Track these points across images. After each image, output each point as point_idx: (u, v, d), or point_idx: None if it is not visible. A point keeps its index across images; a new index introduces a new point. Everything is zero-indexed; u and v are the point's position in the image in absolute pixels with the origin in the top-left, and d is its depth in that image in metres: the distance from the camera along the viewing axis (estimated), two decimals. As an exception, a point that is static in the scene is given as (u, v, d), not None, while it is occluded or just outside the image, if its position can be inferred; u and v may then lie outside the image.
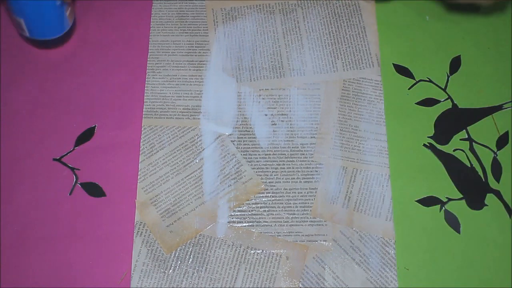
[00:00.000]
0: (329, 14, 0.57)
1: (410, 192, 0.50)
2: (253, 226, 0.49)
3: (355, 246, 0.48)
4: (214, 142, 0.51)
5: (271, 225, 0.49)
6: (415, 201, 0.49)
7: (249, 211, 0.49)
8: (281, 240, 0.48)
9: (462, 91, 0.53)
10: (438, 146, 0.52)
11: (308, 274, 0.47)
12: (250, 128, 0.52)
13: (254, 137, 0.52)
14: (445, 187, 0.50)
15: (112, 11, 0.57)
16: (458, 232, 0.48)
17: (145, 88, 0.53)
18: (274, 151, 0.51)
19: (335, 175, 0.50)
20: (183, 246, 0.48)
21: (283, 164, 0.51)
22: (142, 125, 0.52)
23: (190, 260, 0.47)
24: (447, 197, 0.50)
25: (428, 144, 0.51)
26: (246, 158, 0.51)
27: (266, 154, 0.51)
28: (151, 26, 0.56)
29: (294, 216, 0.49)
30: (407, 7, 0.57)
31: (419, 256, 0.48)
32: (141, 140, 0.51)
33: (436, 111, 0.53)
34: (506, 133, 0.52)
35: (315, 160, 0.51)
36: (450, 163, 0.51)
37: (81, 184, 0.50)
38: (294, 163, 0.51)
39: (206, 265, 0.47)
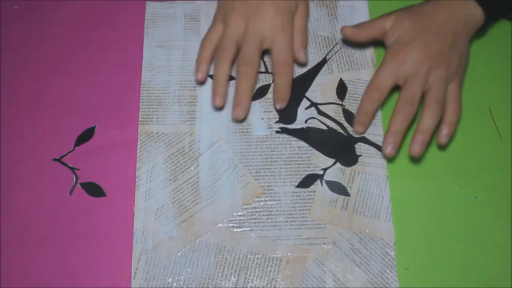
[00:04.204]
0: (323, 16, 0.57)
1: (409, 193, 0.50)
2: (252, 230, 0.48)
3: (355, 248, 0.48)
4: (211, 147, 0.51)
5: (270, 229, 0.49)
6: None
7: (248, 215, 0.49)
8: (280, 244, 0.48)
9: (462, 91, 0.53)
10: (290, 127, 0.52)
11: (309, 278, 0.47)
12: (247, 132, 0.52)
13: (251, 141, 0.52)
14: (445, 186, 0.50)
15: (112, 11, 0.57)
16: (348, 195, 0.49)
17: (140, 94, 0.53)
18: (272, 155, 0.51)
19: (333, 178, 0.50)
20: (182, 252, 0.48)
21: (281, 168, 0.51)
22: (138, 132, 0.52)
23: (189, 266, 0.47)
24: (321, 169, 0.50)
25: (280, 129, 0.51)
26: (243, 162, 0.51)
27: (263, 158, 0.51)
28: (144, 29, 0.56)
29: (293, 219, 0.49)
30: (401, 7, 0.57)
31: (419, 257, 0.48)
32: (138, 147, 0.51)
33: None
34: (341, 80, 0.53)
35: (313, 162, 0.51)
36: (309, 136, 0.51)
37: (81, 184, 0.50)
38: (292, 167, 0.51)
39: (206, 271, 0.47)
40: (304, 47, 0.50)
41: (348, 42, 0.55)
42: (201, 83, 0.52)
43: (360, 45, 0.54)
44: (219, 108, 0.52)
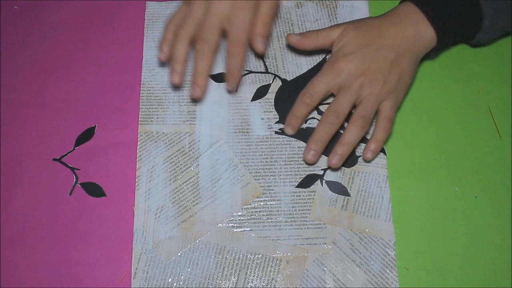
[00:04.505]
0: (323, 16, 0.57)
1: (409, 193, 0.50)
2: (252, 230, 0.49)
3: (355, 248, 0.48)
4: (211, 147, 0.51)
5: (270, 229, 0.49)
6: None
7: (248, 215, 0.49)
8: (280, 244, 0.48)
9: (462, 91, 0.53)
10: None
11: (309, 278, 0.47)
12: (247, 132, 0.52)
13: (251, 141, 0.52)
14: (445, 186, 0.50)
15: (112, 11, 0.57)
16: (348, 195, 0.49)
17: (140, 94, 0.53)
18: (272, 155, 0.51)
19: (333, 177, 0.50)
20: (182, 252, 0.48)
21: (281, 168, 0.51)
22: (138, 132, 0.52)
23: (189, 266, 0.47)
24: (322, 169, 0.50)
25: (280, 130, 0.52)
26: (243, 162, 0.51)
27: (263, 158, 0.51)
28: (144, 29, 0.56)
29: (293, 219, 0.49)
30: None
31: (419, 257, 0.48)
32: (138, 147, 0.51)
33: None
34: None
35: (313, 162, 0.51)
36: (309, 136, 0.50)
37: (81, 184, 0.50)
38: (292, 166, 0.51)
39: (206, 271, 0.47)
40: (263, 37, 0.49)
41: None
42: (162, 61, 0.50)
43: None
44: (176, 86, 0.52)
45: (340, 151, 0.47)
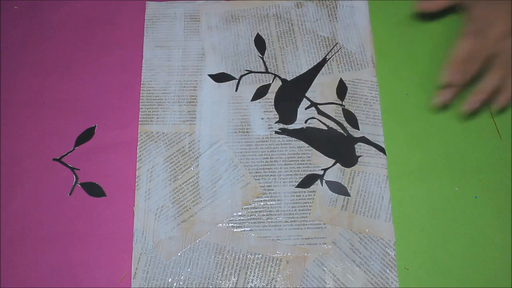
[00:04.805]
0: (323, 16, 0.57)
1: (409, 192, 0.50)
2: (252, 230, 0.49)
3: (355, 248, 0.48)
4: (211, 147, 0.51)
5: (270, 229, 0.49)
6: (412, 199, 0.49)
7: (248, 215, 0.49)
8: (280, 244, 0.48)
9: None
10: (290, 127, 0.52)
11: (309, 278, 0.47)
12: (247, 132, 0.52)
13: (251, 141, 0.52)
14: (445, 186, 0.50)
15: (112, 11, 0.57)
16: (348, 195, 0.49)
17: (140, 94, 0.53)
18: (272, 154, 0.51)
19: (333, 178, 0.50)
20: (182, 252, 0.48)
21: (281, 168, 0.51)
22: (138, 132, 0.52)
23: (189, 266, 0.47)
24: (322, 169, 0.50)
25: (280, 130, 0.51)
26: (243, 162, 0.51)
27: (263, 158, 0.51)
28: (144, 29, 0.56)
29: (293, 219, 0.49)
30: (401, 7, 0.57)
31: (419, 257, 0.48)
32: (138, 147, 0.51)
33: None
34: (341, 80, 0.54)
35: (313, 162, 0.51)
36: (309, 136, 0.51)
37: (81, 184, 0.50)
38: (292, 166, 0.51)
39: (206, 271, 0.47)
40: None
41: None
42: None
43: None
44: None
45: (480, 97, 0.49)
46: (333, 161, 0.51)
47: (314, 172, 0.50)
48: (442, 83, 0.49)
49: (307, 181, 0.50)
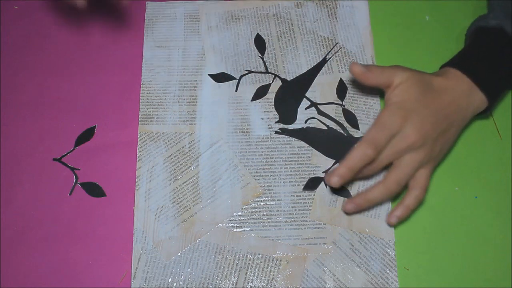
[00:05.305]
0: (323, 16, 0.57)
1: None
2: (252, 230, 0.49)
3: (355, 248, 0.48)
4: (211, 147, 0.51)
5: (270, 229, 0.49)
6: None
7: (248, 215, 0.49)
8: (280, 244, 0.48)
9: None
10: (290, 127, 0.52)
11: (309, 278, 0.47)
12: (247, 132, 0.52)
13: (251, 141, 0.52)
14: (445, 186, 0.50)
15: (112, 11, 0.57)
16: (349, 195, 0.49)
17: (140, 94, 0.53)
18: (272, 154, 0.51)
19: (333, 177, 0.50)
20: (182, 252, 0.48)
21: (281, 168, 0.51)
22: (138, 132, 0.52)
23: (189, 266, 0.47)
24: (323, 172, 0.50)
25: (279, 130, 0.51)
26: (243, 162, 0.51)
27: (263, 158, 0.51)
28: (144, 29, 0.56)
29: (293, 219, 0.49)
30: (401, 7, 0.57)
31: (419, 257, 0.48)
32: (138, 147, 0.51)
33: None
34: (341, 80, 0.53)
35: (313, 163, 0.51)
36: (309, 136, 0.51)
37: (81, 184, 0.50)
38: (292, 166, 0.51)
39: (206, 271, 0.47)
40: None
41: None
42: None
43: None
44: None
45: (359, 202, 0.46)
46: (333, 161, 0.51)
47: (318, 175, 0.50)
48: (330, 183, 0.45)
49: (312, 184, 0.50)
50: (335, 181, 0.44)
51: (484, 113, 0.49)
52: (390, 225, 0.48)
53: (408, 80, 0.46)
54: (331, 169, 0.50)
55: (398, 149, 0.45)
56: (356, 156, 0.44)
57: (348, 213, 0.48)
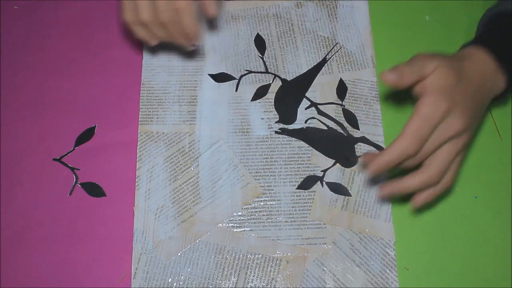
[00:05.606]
0: (323, 16, 0.57)
1: (409, 193, 0.50)
2: (253, 230, 0.49)
3: (355, 248, 0.48)
4: (211, 147, 0.51)
5: (270, 229, 0.49)
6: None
7: (248, 215, 0.49)
8: (280, 244, 0.48)
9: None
10: (290, 127, 0.52)
11: (309, 278, 0.47)
12: (247, 132, 0.52)
13: (251, 141, 0.52)
14: (443, 187, 0.50)
15: (112, 11, 0.57)
16: (349, 195, 0.49)
17: (140, 94, 0.53)
18: (272, 154, 0.51)
19: (333, 178, 0.50)
20: (182, 252, 0.48)
21: (281, 168, 0.51)
22: (138, 132, 0.52)
23: (189, 266, 0.47)
24: (321, 170, 0.50)
25: (279, 130, 0.51)
26: (243, 162, 0.51)
27: (263, 158, 0.51)
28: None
29: (293, 219, 0.49)
30: (401, 7, 0.57)
31: (419, 257, 0.48)
32: (138, 147, 0.51)
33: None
34: (341, 80, 0.53)
35: (313, 163, 0.51)
36: (309, 136, 0.51)
37: (81, 184, 0.50)
38: (292, 166, 0.51)
39: (206, 271, 0.47)
40: None
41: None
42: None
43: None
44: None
45: (395, 189, 0.43)
46: (333, 161, 0.51)
47: (314, 174, 0.50)
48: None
49: (307, 183, 0.50)
50: (374, 171, 0.42)
51: (503, 98, 0.48)
52: (415, 206, 0.44)
53: (440, 67, 0.43)
54: (369, 159, 0.44)
55: (442, 139, 0.42)
56: (397, 150, 0.41)
57: (382, 199, 0.47)
